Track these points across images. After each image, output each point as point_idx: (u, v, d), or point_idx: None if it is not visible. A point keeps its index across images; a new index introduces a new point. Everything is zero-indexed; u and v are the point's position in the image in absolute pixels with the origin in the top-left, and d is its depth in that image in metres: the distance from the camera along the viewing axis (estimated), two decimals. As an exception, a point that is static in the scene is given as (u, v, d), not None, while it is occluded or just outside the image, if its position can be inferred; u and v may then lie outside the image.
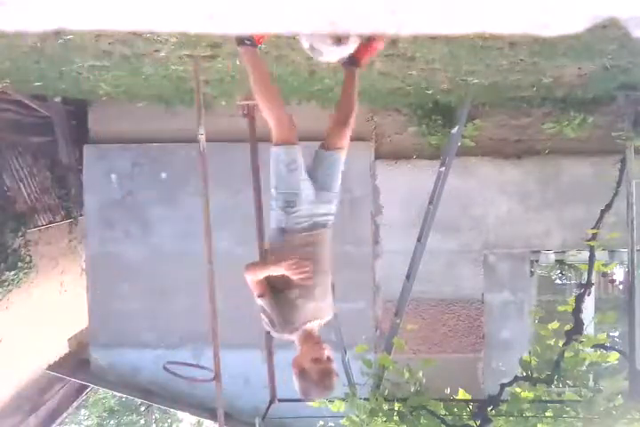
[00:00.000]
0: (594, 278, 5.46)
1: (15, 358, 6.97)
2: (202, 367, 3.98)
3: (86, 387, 8.66)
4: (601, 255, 5.88)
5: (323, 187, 2.63)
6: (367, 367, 4.66)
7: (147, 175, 6.89)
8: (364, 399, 4.43)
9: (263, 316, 2.53)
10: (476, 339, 6.93)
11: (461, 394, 4.78)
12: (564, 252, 6.83)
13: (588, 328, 5.18)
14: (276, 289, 2.53)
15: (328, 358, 2.37)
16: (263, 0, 0.49)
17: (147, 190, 6.91)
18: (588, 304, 5.97)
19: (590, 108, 5.74)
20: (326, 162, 2.69)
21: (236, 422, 6.60)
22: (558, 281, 8.76)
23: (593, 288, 5.59)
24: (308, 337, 2.46)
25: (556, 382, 4.62)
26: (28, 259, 6.88)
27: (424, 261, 5.29)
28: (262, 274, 2.52)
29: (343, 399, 4.47)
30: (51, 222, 7.83)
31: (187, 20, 0.51)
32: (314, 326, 2.51)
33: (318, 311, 2.53)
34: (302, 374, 2.36)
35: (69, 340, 8.08)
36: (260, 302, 2.54)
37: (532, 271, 6.89)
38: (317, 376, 2.31)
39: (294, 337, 2.48)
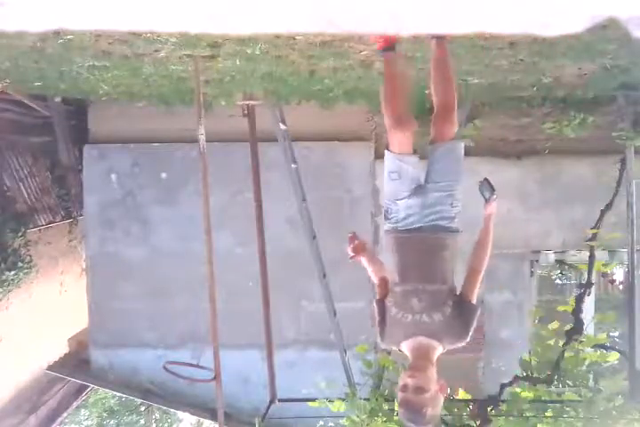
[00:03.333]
0: (594, 278, 5.47)
1: (15, 358, 6.97)
2: (202, 367, 3.97)
3: (86, 387, 8.66)
4: (601, 255, 5.88)
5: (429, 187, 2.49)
6: (367, 367, 4.67)
7: (147, 175, 6.89)
8: (364, 399, 4.43)
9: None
10: (476, 339, 6.93)
11: (461, 394, 4.78)
12: (564, 252, 6.83)
13: (588, 328, 5.18)
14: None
15: (415, 388, 2.07)
16: (263, 0, 0.49)
17: (147, 190, 6.91)
18: (588, 304, 5.96)
19: (590, 108, 5.74)
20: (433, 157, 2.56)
21: (235, 422, 6.60)
22: (558, 281, 8.76)
23: (593, 288, 5.59)
24: (407, 357, 2.26)
25: (555, 382, 4.63)
26: (28, 259, 6.88)
27: (424, 261, 5.27)
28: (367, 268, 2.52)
29: (343, 399, 4.47)
30: (51, 222, 7.83)
31: (187, 20, 0.51)
32: (410, 344, 2.25)
33: (418, 327, 2.25)
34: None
35: (69, 340, 8.07)
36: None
37: (532, 271, 6.89)
38: (400, 404, 2.12)
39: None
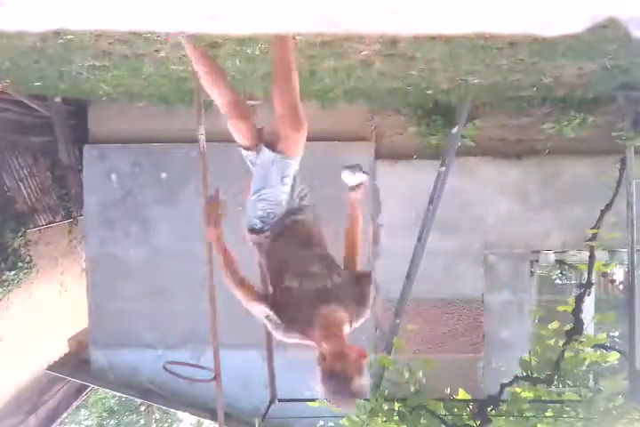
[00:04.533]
0: (594, 278, 5.46)
1: (15, 358, 6.97)
2: (202, 367, 3.97)
3: (86, 387, 8.66)
4: (601, 255, 5.88)
5: None
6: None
7: (147, 175, 6.89)
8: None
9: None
10: (476, 339, 6.93)
11: (461, 394, 4.78)
12: (564, 252, 6.83)
13: (588, 328, 5.18)
14: None
15: (333, 355, 2.00)
16: (263, 0, 0.49)
17: (147, 190, 6.91)
18: (588, 304, 5.96)
19: (590, 108, 5.74)
20: None
21: (236, 422, 6.60)
22: (558, 281, 8.76)
23: (593, 288, 5.59)
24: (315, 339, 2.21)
25: (555, 382, 4.63)
26: (28, 259, 6.88)
27: (424, 261, 5.29)
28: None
29: (343, 399, 4.46)
30: (51, 222, 7.83)
31: (187, 20, 0.51)
32: (317, 319, 2.18)
33: (323, 295, 2.22)
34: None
35: (69, 340, 8.08)
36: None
37: (532, 271, 6.89)
38: (322, 378, 1.98)
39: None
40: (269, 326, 2.20)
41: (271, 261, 2.41)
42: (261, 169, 2.42)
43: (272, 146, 2.39)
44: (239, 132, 2.43)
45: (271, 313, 2.17)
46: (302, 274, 2.23)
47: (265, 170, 2.40)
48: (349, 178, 2.50)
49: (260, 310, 2.21)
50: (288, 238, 2.38)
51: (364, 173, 2.50)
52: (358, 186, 2.51)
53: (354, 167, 2.50)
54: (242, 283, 2.33)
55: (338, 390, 1.95)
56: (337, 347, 2.01)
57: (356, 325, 2.21)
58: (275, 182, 2.40)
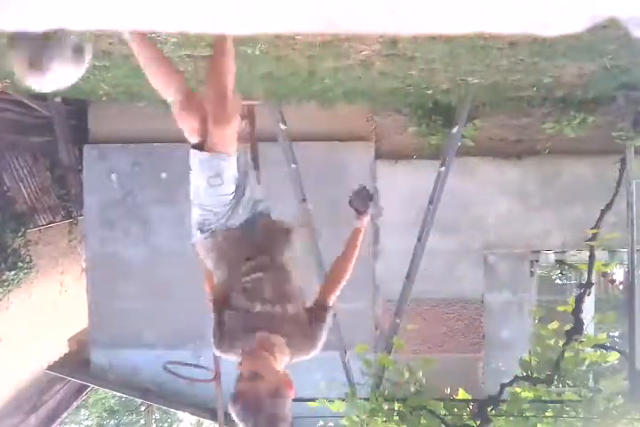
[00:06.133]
0: (594, 278, 5.46)
1: (15, 358, 6.97)
2: (202, 367, 3.98)
3: (86, 387, 8.66)
4: (601, 255, 5.88)
5: None
6: (367, 367, 4.67)
7: (147, 175, 6.89)
8: (364, 399, 4.43)
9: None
10: (476, 339, 6.93)
11: (461, 394, 4.79)
12: (564, 252, 6.83)
13: (588, 328, 5.18)
14: None
15: (249, 375, 1.83)
16: (263, 0, 0.49)
17: (147, 190, 6.91)
18: (588, 304, 5.97)
19: (590, 108, 5.74)
20: None
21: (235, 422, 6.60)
22: (558, 281, 8.76)
23: (593, 288, 5.59)
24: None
25: (555, 382, 4.63)
26: (27, 259, 6.88)
27: (424, 261, 5.29)
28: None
29: (343, 399, 4.47)
30: (51, 222, 7.83)
31: (187, 20, 0.51)
32: (253, 340, 2.02)
33: (266, 319, 2.05)
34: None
35: (69, 340, 8.08)
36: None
37: (532, 271, 6.89)
38: (232, 401, 1.81)
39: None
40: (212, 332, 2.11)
41: (218, 273, 2.21)
42: (193, 171, 2.16)
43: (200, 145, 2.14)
44: (186, 125, 2.18)
45: (213, 319, 2.09)
46: (249, 295, 2.05)
47: (195, 172, 2.15)
48: (364, 203, 2.25)
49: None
50: (237, 252, 2.15)
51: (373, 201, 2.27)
52: (368, 213, 2.27)
53: (372, 194, 2.27)
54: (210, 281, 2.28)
55: (244, 418, 1.75)
56: (256, 368, 1.81)
57: (296, 360, 2.04)
58: (204, 185, 2.13)
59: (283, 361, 1.96)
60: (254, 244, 2.16)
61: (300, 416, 5.07)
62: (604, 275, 7.71)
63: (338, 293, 2.23)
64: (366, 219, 2.27)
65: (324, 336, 2.12)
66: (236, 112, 2.11)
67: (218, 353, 2.10)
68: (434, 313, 6.87)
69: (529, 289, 6.90)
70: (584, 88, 5.00)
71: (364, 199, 2.26)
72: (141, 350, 6.93)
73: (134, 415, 14.93)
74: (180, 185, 6.80)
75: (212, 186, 2.10)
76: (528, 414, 4.27)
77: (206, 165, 2.09)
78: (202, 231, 2.20)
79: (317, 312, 2.14)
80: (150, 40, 2.36)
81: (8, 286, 6.49)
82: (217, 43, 2.25)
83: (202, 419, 10.06)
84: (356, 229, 2.28)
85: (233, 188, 2.14)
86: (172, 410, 9.21)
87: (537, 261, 6.87)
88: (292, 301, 2.07)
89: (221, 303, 2.13)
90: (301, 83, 4.58)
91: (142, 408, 14.47)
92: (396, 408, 4.38)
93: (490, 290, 6.84)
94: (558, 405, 4.39)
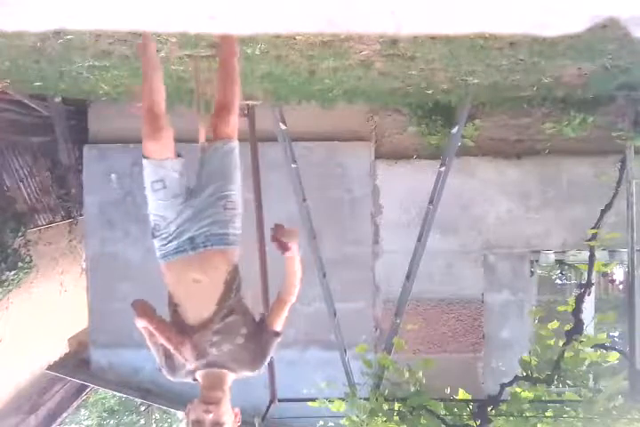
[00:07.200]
0: (594, 278, 5.47)
1: (15, 358, 6.97)
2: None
3: (86, 387, 8.66)
4: (601, 255, 5.88)
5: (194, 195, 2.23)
6: (367, 367, 4.67)
7: (147, 175, 6.89)
8: (364, 399, 4.43)
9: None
10: (476, 339, 6.93)
11: (461, 394, 4.79)
12: (564, 252, 6.83)
13: (588, 328, 5.18)
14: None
15: (212, 424, 2.06)
16: (263, 0, 0.49)
17: (147, 190, 6.91)
18: (588, 304, 5.97)
19: (590, 108, 5.74)
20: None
21: (235, 422, 6.60)
22: (558, 281, 8.76)
23: (593, 288, 5.59)
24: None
25: (555, 382, 4.63)
26: (27, 259, 6.87)
27: (424, 261, 5.29)
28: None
29: (343, 399, 4.47)
30: (51, 222, 7.83)
31: (187, 20, 0.51)
32: (203, 373, 2.23)
33: (209, 360, 2.22)
34: None
35: (69, 340, 8.08)
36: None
37: (532, 271, 6.89)
38: None
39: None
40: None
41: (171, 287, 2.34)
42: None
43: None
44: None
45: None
46: (199, 354, 2.18)
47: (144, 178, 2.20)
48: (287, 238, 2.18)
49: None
50: (184, 268, 2.21)
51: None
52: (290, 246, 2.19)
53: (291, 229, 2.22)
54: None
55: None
56: (216, 417, 2.06)
57: (238, 376, 2.24)
58: (149, 190, 2.17)
59: (229, 384, 2.23)
60: (199, 274, 2.21)
61: (300, 416, 5.08)
62: (604, 275, 7.71)
63: (285, 316, 2.26)
64: (294, 247, 2.19)
65: (269, 358, 2.25)
66: (162, 122, 2.20)
67: (173, 379, 2.34)
68: (434, 313, 6.87)
69: (529, 289, 6.90)
70: (584, 88, 5.00)
71: (286, 235, 2.17)
72: (141, 350, 6.88)
73: (134, 415, 14.92)
74: (180, 185, 6.83)
75: (155, 191, 2.14)
76: (528, 414, 4.27)
77: (149, 170, 2.14)
78: (153, 236, 2.22)
79: (267, 337, 2.22)
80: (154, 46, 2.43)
81: (8, 286, 6.49)
82: (224, 44, 2.32)
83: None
84: (288, 258, 2.25)
85: (176, 191, 2.16)
86: (172, 410, 9.19)
87: (537, 261, 6.87)
88: (229, 341, 2.17)
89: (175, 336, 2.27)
90: (301, 83, 4.58)
91: (142, 408, 14.48)
92: (396, 408, 4.38)
93: (490, 290, 6.84)
94: (558, 405, 4.39)
